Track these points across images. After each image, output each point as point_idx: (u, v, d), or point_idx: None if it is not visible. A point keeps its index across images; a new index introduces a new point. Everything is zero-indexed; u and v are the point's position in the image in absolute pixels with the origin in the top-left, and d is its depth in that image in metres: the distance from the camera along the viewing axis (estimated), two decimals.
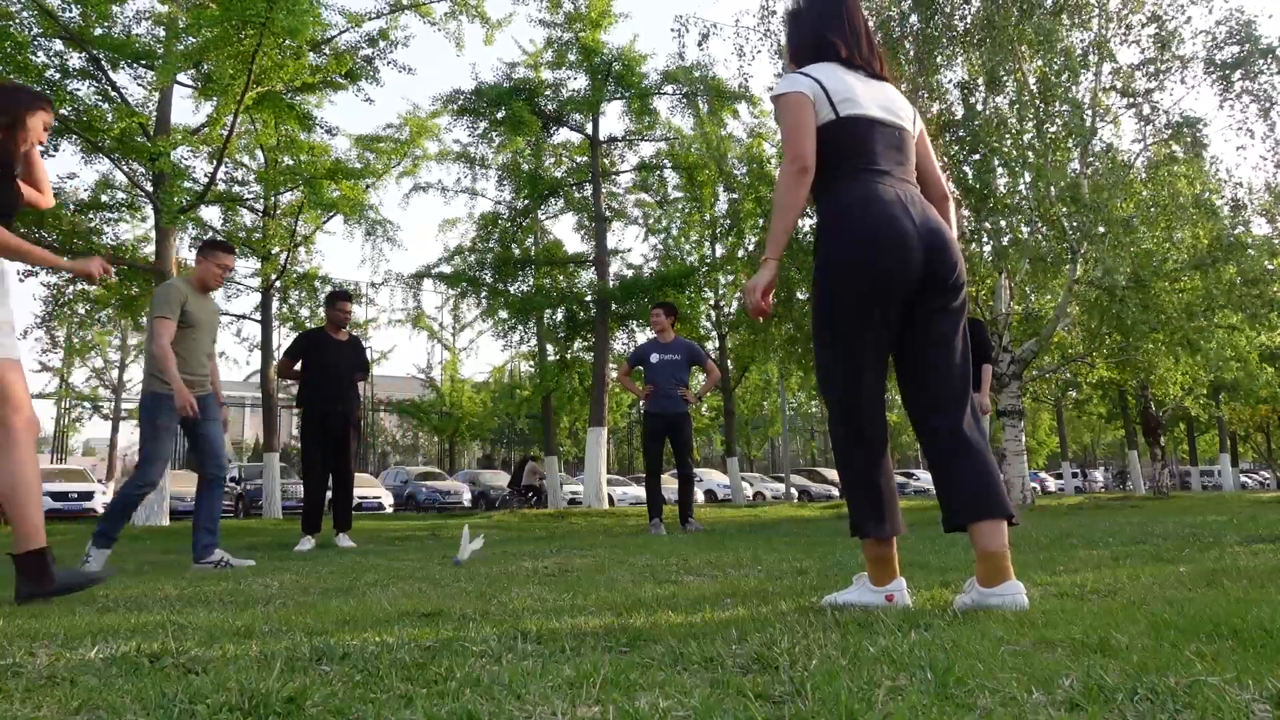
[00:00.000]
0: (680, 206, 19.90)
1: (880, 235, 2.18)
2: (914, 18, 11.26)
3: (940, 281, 2.23)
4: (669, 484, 15.58)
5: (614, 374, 16.76)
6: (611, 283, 16.83)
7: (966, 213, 11.45)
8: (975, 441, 2.20)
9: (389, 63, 13.72)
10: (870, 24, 2.47)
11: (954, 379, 2.24)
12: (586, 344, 18.15)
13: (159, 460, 4.56)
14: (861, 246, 2.18)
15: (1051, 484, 37.77)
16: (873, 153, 2.29)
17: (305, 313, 17.91)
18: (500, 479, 26.22)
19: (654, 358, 7.15)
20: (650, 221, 20.34)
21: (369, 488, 21.65)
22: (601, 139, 17.15)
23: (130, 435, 35.71)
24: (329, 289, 18.39)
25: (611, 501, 21.33)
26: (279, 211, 16.09)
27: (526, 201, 17.61)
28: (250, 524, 12.52)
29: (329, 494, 6.50)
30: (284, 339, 18.44)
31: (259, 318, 16.65)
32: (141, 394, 4.69)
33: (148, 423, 4.58)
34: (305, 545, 6.14)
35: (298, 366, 6.46)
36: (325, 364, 6.39)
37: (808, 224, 11.97)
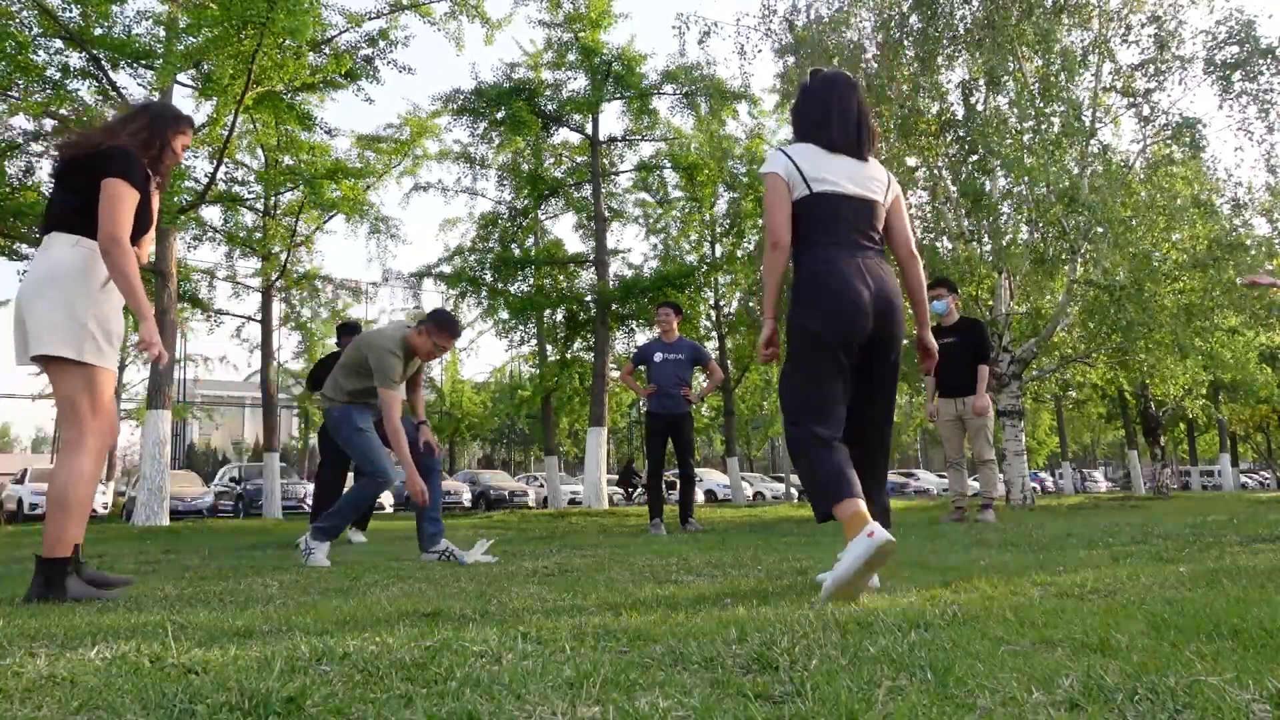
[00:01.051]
0: (680, 206, 19.90)
1: (840, 301, 2.57)
2: (914, 18, 11.25)
3: (883, 344, 2.67)
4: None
5: (614, 374, 16.75)
6: (611, 283, 16.83)
7: (964, 213, 11.44)
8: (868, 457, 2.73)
9: (389, 63, 13.71)
10: (866, 111, 2.77)
11: (874, 418, 2.72)
12: (586, 344, 18.15)
13: (381, 456, 4.65)
14: (824, 312, 2.58)
15: (1051, 484, 37.80)
16: (839, 226, 2.64)
17: (306, 313, 17.90)
18: (500, 479, 26.15)
19: (658, 357, 7.14)
20: (650, 221, 20.34)
21: None
22: (601, 139, 17.14)
23: (130, 435, 35.71)
24: (329, 288, 18.43)
25: (611, 501, 21.32)
26: (279, 211, 16.08)
27: (526, 201, 17.61)
28: (250, 524, 12.52)
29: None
30: (284, 340, 18.45)
31: (259, 318, 16.64)
32: (329, 410, 4.73)
33: (353, 432, 4.63)
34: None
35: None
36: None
37: None
